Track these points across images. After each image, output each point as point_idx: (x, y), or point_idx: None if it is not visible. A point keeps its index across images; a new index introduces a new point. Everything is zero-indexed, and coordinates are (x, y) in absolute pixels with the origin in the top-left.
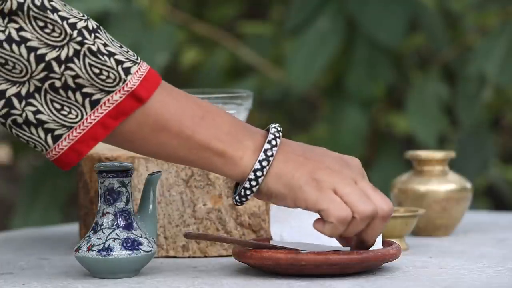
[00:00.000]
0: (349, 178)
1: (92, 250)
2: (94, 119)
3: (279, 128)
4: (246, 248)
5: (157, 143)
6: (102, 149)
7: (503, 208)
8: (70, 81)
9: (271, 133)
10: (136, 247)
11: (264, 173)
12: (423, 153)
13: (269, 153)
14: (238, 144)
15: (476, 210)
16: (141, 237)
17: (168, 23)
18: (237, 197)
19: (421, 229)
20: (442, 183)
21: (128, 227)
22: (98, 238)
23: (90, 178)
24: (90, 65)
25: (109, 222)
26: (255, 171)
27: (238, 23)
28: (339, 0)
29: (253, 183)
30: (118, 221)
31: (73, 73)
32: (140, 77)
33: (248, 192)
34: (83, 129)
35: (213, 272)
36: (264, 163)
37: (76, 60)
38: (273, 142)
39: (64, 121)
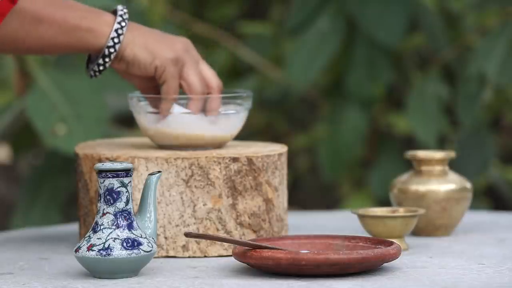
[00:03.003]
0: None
1: (92, 250)
2: None
3: (125, 10)
4: (246, 248)
5: (38, 36)
6: (102, 149)
7: (503, 208)
8: None
9: (119, 9)
10: (136, 247)
11: (121, 39)
12: (423, 153)
13: (122, 24)
14: (100, 19)
15: (476, 210)
16: (141, 237)
17: (168, 23)
18: (95, 67)
19: (421, 229)
20: (442, 183)
21: (128, 227)
22: (98, 238)
23: (90, 178)
24: None
25: (109, 222)
26: (112, 38)
27: (238, 23)
28: (339, 0)
29: (112, 50)
30: (118, 221)
31: None
32: None
33: (106, 59)
34: None
35: (213, 272)
36: (120, 31)
37: None
38: (124, 16)
39: None
